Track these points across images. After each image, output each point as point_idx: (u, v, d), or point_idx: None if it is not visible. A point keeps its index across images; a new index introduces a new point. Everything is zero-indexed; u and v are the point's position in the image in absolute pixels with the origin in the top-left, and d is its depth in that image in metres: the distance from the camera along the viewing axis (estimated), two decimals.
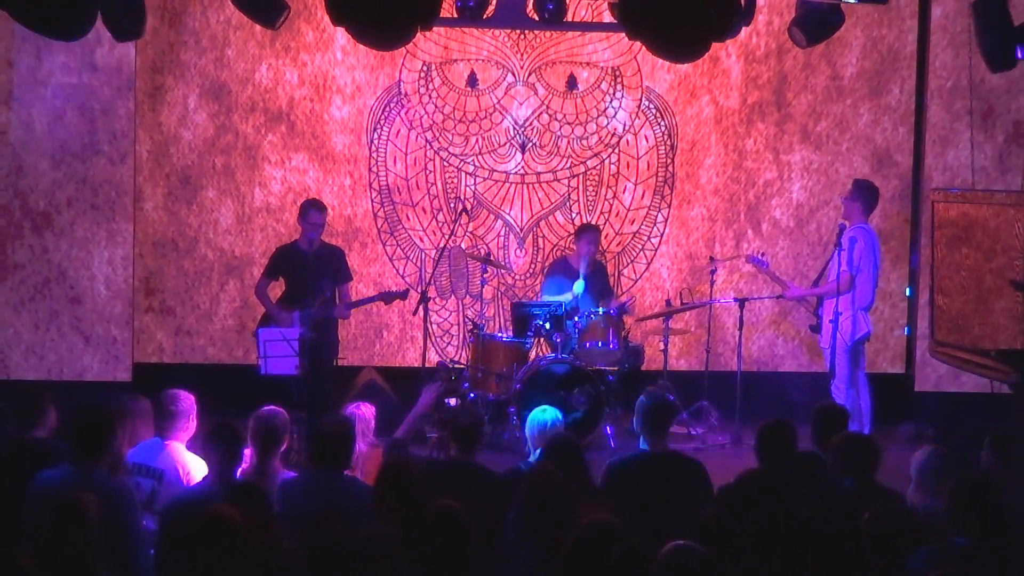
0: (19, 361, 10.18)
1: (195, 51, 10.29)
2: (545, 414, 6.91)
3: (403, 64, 10.47)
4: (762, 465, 6.23)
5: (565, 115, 10.62)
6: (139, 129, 10.26)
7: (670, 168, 10.70)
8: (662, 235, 10.76)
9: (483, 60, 10.55)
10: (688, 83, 10.62)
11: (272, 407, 6.29)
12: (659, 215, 10.74)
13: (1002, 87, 10.46)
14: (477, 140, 10.59)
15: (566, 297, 9.63)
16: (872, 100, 10.60)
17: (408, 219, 10.62)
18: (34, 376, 10.00)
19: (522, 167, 10.69)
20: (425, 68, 10.52)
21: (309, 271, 8.86)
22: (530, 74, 10.62)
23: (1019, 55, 7.54)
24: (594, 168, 10.70)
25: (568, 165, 10.68)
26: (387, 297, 9.49)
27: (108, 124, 10.14)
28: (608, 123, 10.63)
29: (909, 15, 10.54)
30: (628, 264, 10.77)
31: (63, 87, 10.07)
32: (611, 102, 10.60)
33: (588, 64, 10.59)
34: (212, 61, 10.31)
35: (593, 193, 10.72)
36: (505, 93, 10.58)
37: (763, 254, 10.09)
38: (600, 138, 10.64)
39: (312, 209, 9.22)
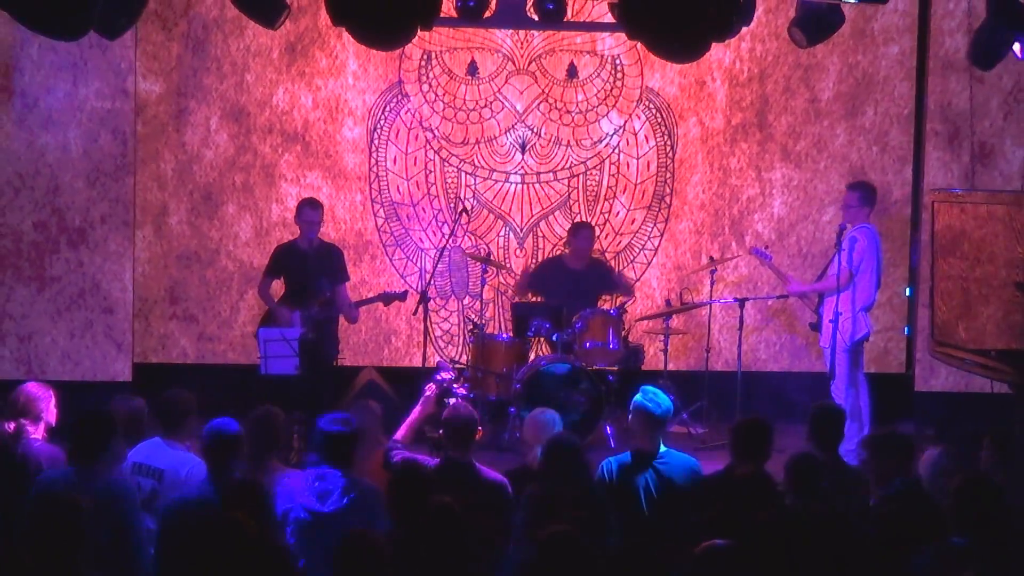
0: (56, 366, 9.53)
1: (217, 76, 9.70)
2: (544, 415, 6.21)
3: (403, 53, 9.74)
4: (739, 463, 5.50)
5: (565, 103, 9.86)
6: (164, 149, 9.68)
7: (670, 169, 9.91)
8: (661, 235, 9.96)
9: (483, 48, 9.81)
10: (676, 105, 9.96)
11: (268, 407, 5.63)
12: (657, 215, 9.96)
13: (967, 110, 9.76)
14: (477, 139, 9.84)
15: None
16: (848, 121, 9.92)
17: (408, 219, 9.92)
18: (69, 379, 9.27)
19: (522, 167, 9.93)
20: (425, 56, 9.81)
21: (308, 270, 8.18)
22: (530, 62, 9.85)
23: (1020, 56, 6.49)
24: (594, 168, 9.95)
25: (568, 165, 9.94)
26: (386, 298, 8.73)
27: (138, 146, 9.57)
28: (608, 113, 9.83)
29: (883, 42, 9.84)
30: (626, 266, 10.00)
31: (97, 112, 9.48)
32: (611, 91, 9.78)
33: (589, 53, 9.84)
34: (233, 86, 9.73)
35: (592, 194, 9.95)
36: (505, 81, 9.83)
37: (767, 247, 9.27)
38: (602, 130, 9.87)
39: (307, 207, 8.61)
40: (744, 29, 9.40)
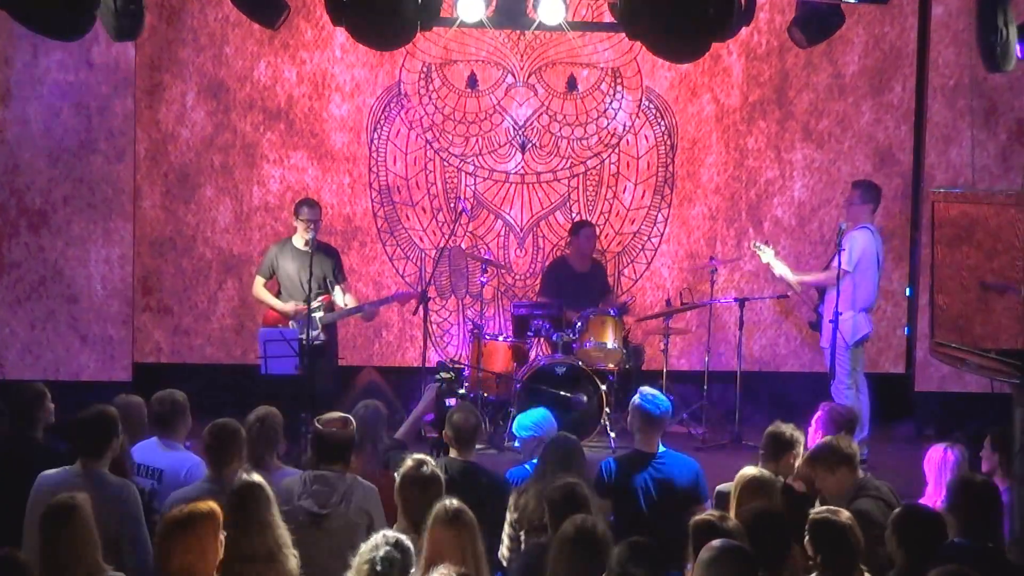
0: (15, 360, 10.22)
1: (193, 48, 10.33)
2: (535, 414, 7.03)
3: (403, 65, 10.53)
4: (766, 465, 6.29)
5: (565, 116, 10.68)
6: (137, 127, 10.29)
7: (670, 168, 10.76)
8: (662, 235, 10.84)
9: (483, 61, 10.61)
10: (689, 81, 10.68)
11: (267, 407, 6.39)
12: (659, 215, 10.82)
13: (1004, 85, 10.53)
14: (477, 141, 10.66)
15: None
16: (874, 98, 10.66)
17: (408, 219, 10.68)
18: (30, 375, 9.96)
19: (522, 167, 10.75)
20: (425, 69, 10.58)
21: (306, 270, 8.83)
22: (530, 75, 10.69)
23: (1020, 55, 7.59)
24: (594, 168, 10.77)
25: (568, 165, 10.74)
26: (402, 297, 9.55)
27: (105, 122, 10.18)
28: (608, 124, 10.70)
29: (911, 12, 10.61)
30: (628, 264, 10.84)
31: (60, 84, 10.12)
32: (611, 103, 10.68)
33: (588, 64, 10.64)
34: (210, 59, 10.35)
35: (593, 193, 10.79)
36: (505, 94, 10.64)
37: (767, 242, 10.00)
38: (600, 138, 10.70)
39: (304, 206, 9.22)
40: (761, 0, 10.54)
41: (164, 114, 10.35)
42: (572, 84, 10.72)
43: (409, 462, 5.57)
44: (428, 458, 5.63)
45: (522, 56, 10.64)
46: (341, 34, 10.25)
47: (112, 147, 10.23)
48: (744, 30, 10.26)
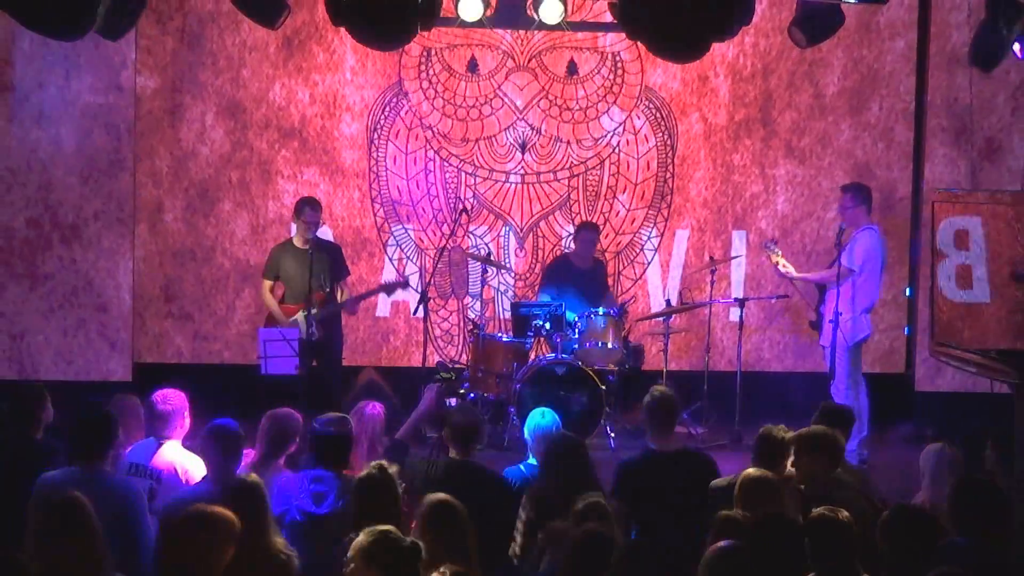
0: (48, 365, 9.79)
1: (212, 71, 9.95)
2: (544, 418, 6.38)
3: (403, 49, 9.96)
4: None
5: (565, 100, 10.12)
6: (159, 145, 9.92)
7: (670, 169, 10.17)
8: (662, 234, 10.23)
9: (483, 45, 10.07)
10: (678, 100, 10.22)
11: (287, 409, 5.91)
12: (658, 215, 10.23)
13: (974, 105, 9.94)
14: (477, 135, 10.06)
15: None
16: (852, 117, 10.18)
17: (408, 219, 10.17)
18: (62, 378, 9.54)
19: (522, 167, 10.19)
20: (425, 54, 10.06)
21: (308, 269, 8.20)
22: (530, 59, 10.11)
23: (1021, 56, 6.72)
24: (594, 168, 10.20)
25: (568, 165, 10.20)
26: (388, 288, 8.89)
27: (132, 142, 9.81)
28: (608, 109, 10.09)
29: (888, 36, 10.11)
30: (627, 265, 10.27)
31: (90, 107, 9.73)
32: (611, 87, 10.04)
33: (589, 49, 10.10)
34: (228, 81, 9.97)
35: (593, 193, 10.21)
36: (506, 78, 10.10)
37: (775, 241, 9.37)
38: (602, 127, 10.10)
39: (307, 206, 8.70)
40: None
41: (185, 133, 9.98)
42: (572, 69, 10.09)
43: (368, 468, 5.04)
44: (385, 463, 5.04)
45: (522, 40, 10.06)
46: (351, 57, 9.97)
47: (139, 166, 9.87)
48: (731, 53, 9.94)
